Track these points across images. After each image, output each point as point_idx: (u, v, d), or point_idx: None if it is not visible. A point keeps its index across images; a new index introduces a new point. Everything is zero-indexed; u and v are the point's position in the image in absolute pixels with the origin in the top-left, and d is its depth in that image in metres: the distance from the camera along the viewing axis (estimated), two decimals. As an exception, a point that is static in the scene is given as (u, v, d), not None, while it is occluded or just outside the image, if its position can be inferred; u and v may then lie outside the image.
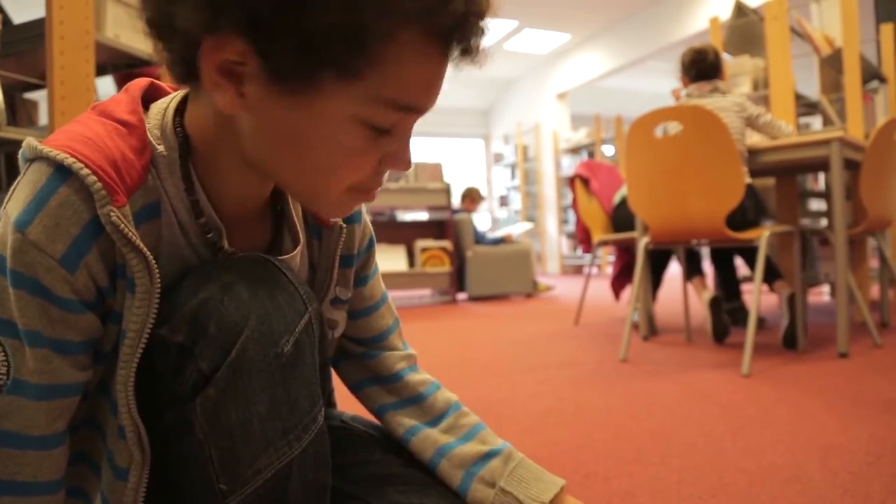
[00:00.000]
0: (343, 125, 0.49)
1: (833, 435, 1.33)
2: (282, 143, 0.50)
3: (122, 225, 0.49)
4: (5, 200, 0.51)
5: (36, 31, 1.46)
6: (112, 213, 0.48)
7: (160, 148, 0.54)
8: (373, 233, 0.74)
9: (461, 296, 5.45)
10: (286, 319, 0.54)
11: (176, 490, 0.56)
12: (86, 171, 0.48)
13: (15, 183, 0.51)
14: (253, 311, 0.52)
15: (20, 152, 0.52)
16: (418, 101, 0.51)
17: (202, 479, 0.53)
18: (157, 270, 0.51)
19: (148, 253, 0.51)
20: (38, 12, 1.52)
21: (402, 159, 0.55)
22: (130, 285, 0.51)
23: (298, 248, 0.64)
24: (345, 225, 0.68)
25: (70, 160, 0.48)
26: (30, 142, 0.50)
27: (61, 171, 0.49)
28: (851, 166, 2.48)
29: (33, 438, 0.50)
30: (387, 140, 0.53)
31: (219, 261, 0.57)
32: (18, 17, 1.66)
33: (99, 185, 0.48)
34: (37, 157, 0.50)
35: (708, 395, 1.71)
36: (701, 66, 2.59)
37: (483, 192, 6.19)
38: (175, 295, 0.54)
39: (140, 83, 0.59)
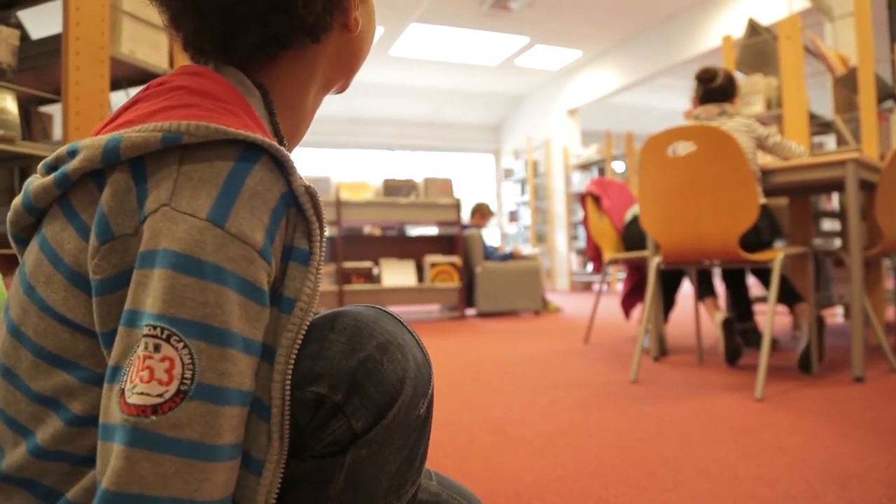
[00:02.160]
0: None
1: (850, 464, 1.30)
2: (366, 29, 0.66)
3: (316, 193, 0.51)
4: (164, 200, 0.45)
5: (53, 47, 1.47)
6: (308, 185, 0.50)
7: (262, 112, 0.57)
8: None
9: (470, 311, 5.44)
10: (423, 382, 0.57)
11: None
12: (277, 148, 0.48)
13: (166, 174, 0.46)
14: (407, 374, 0.55)
15: (162, 136, 0.46)
16: None
17: None
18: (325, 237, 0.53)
19: (324, 216, 0.52)
20: (55, 28, 1.54)
21: None
22: (303, 256, 0.51)
23: None
24: None
25: (266, 140, 0.47)
26: (202, 125, 0.46)
27: (249, 153, 0.47)
28: (866, 187, 2.45)
29: (216, 448, 0.45)
30: None
31: (356, 316, 0.57)
32: (36, 32, 1.68)
33: (292, 160, 0.49)
34: (215, 140, 0.46)
35: (720, 420, 1.69)
36: (708, 87, 2.58)
37: (493, 208, 6.19)
38: (322, 352, 0.53)
39: (199, 67, 0.57)
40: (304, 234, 0.51)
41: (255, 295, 0.47)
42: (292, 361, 0.51)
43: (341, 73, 0.68)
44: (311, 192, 0.50)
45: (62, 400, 0.50)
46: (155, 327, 0.44)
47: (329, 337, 0.54)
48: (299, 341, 0.51)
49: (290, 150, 0.66)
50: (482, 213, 5.91)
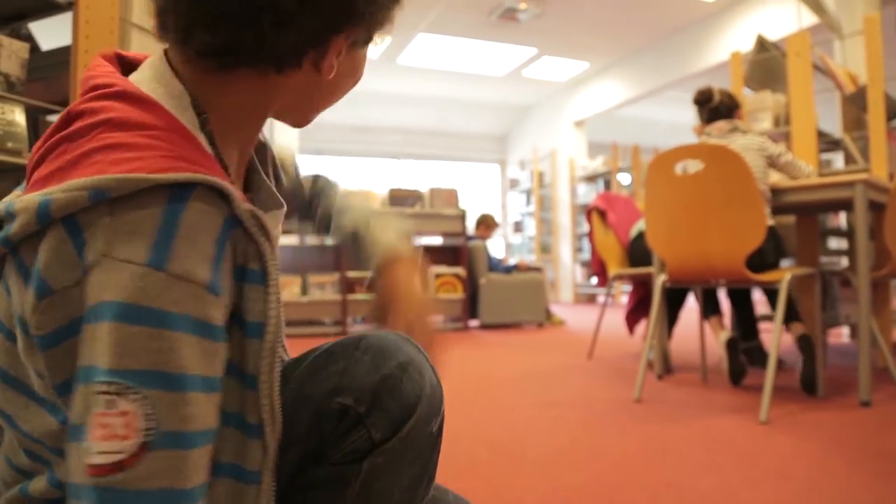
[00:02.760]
0: (363, 55, 0.65)
1: (857, 493, 1.28)
2: (342, 80, 0.64)
3: (261, 214, 0.50)
4: (102, 251, 0.44)
5: (62, 58, 1.48)
6: (252, 208, 0.49)
7: (201, 140, 0.54)
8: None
9: (473, 323, 5.42)
10: (437, 401, 0.61)
11: None
12: (211, 178, 0.47)
13: (99, 227, 0.45)
14: (423, 393, 0.59)
15: (90, 193, 0.45)
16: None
17: None
18: (277, 255, 0.53)
19: (272, 234, 0.52)
20: (65, 39, 1.54)
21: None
22: (258, 277, 0.51)
23: (283, 210, 0.68)
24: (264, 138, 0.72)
25: (196, 176, 0.46)
26: (121, 178, 0.44)
27: (180, 190, 0.46)
28: (875, 207, 2.44)
29: (187, 492, 0.46)
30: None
31: (382, 341, 0.61)
32: (47, 43, 1.68)
33: (229, 186, 0.48)
34: (140, 189, 0.45)
35: (725, 443, 1.67)
36: (708, 108, 2.61)
37: (498, 218, 6.18)
38: (349, 368, 0.58)
39: (114, 78, 0.54)
40: (256, 255, 0.51)
41: (208, 332, 0.47)
42: (277, 382, 0.53)
43: (301, 110, 0.65)
44: (255, 215, 0.50)
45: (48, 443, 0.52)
46: (107, 383, 0.43)
47: (355, 355, 0.59)
48: (278, 362, 0.52)
49: (233, 162, 0.61)
50: (487, 225, 5.90)
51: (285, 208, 0.69)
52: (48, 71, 1.56)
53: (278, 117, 0.65)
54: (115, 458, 0.43)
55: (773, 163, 2.45)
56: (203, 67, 0.55)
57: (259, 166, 0.68)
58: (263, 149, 0.71)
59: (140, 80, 0.55)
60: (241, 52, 0.54)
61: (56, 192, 0.45)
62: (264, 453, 0.53)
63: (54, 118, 1.86)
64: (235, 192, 0.49)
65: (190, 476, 0.46)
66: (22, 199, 0.46)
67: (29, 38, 1.62)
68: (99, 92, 0.52)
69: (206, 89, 0.56)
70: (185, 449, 0.45)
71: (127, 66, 0.60)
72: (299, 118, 0.66)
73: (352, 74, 0.65)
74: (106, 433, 0.43)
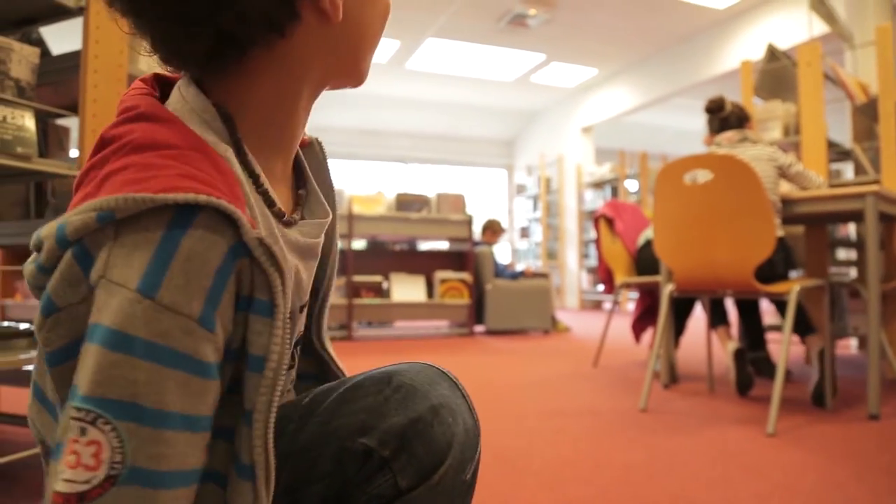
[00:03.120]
0: None
1: (865, 510, 1.27)
2: (364, 12, 0.57)
3: (273, 245, 0.47)
4: (101, 272, 0.44)
5: (72, 63, 1.48)
6: (261, 236, 0.46)
7: (226, 154, 0.51)
8: None
9: (479, 328, 5.41)
10: (472, 447, 0.58)
11: None
12: (219, 201, 0.44)
13: (104, 248, 0.44)
14: (456, 438, 0.56)
15: (96, 216, 0.44)
16: None
17: None
18: (290, 284, 0.50)
19: (286, 268, 0.48)
20: (75, 43, 1.55)
21: None
22: (265, 308, 0.48)
23: (329, 219, 0.64)
24: (318, 138, 0.69)
25: (200, 197, 0.43)
26: (128, 197, 0.43)
27: (182, 215, 0.44)
28: (885, 219, 2.42)
29: None
30: None
31: (414, 377, 0.58)
32: (57, 47, 1.69)
33: (239, 212, 0.45)
34: (143, 210, 0.43)
35: (731, 456, 1.65)
36: (720, 117, 2.61)
37: (504, 223, 6.18)
38: (376, 406, 0.55)
39: (139, 100, 0.53)
40: (264, 285, 0.48)
41: (196, 368, 0.44)
42: (272, 423, 0.49)
43: (338, 69, 0.59)
44: (265, 244, 0.47)
45: None
46: (80, 409, 0.42)
47: (385, 392, 0.56)
48: (276, 402, 0.49)
49: (280, 161, 0.59)
50: (493, 230, 5.90)
51: (331, 217, 0.64)
52: (58, 75, 1.57)
53: (331, 86, 0.60)
54: (80, 489, 0.41)
55: (783, 173, 2.43)
56: (215, 71, 0.53)
57: (307, 169, 0.64)
58: (313, 149, 0.67)
59: (169, 101, 0.54)
60: (235, 37, 0.50)
61: (71, 215, 0.45)
62: (255, 498, 0.49)
63: (63, 122, 1.87)
64: (244, 217, 0.46)
65: None
66: (48, 225, 0.47)
67: (39, 43, 1.63)
68: (124, 116, 0.52)
69: (229, 93, 0.53)
70: (154, 488, 0.43)
71: (168, 85, 0.58)
72: (348, 76, 0.60)
73: (365, 5, 0.57)
74: (74, 460, 0.42)
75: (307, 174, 0.64)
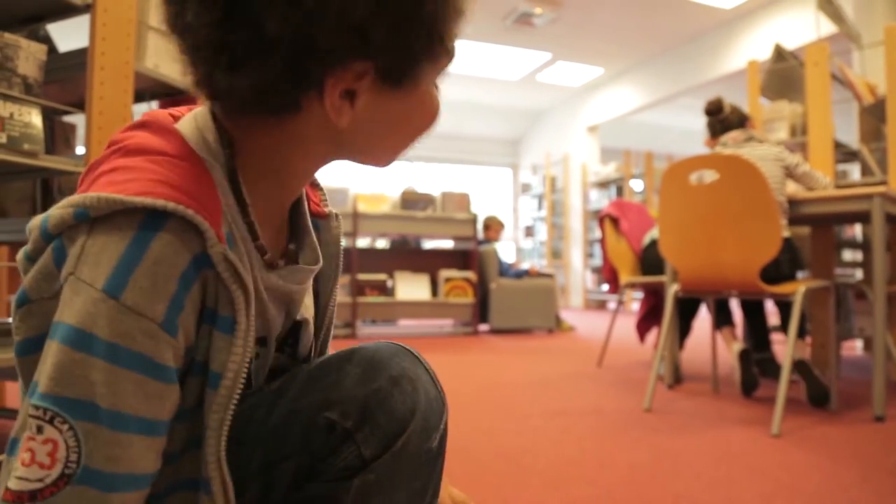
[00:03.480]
0: (430, 93, 0.57)
1: (870, 512, 1.26)
2: (383, 127, 0.55)
3: (237, 262, 0.47)
4: (70, 269, 0.45)
5: (78, 60, 1.48)
6: (226, 251, 0.46)
7: (213, 171, 0.51)
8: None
9: (483, 327, 5.41)
10: (436, 415, 0.58)
11: None
12: (189, 211, 0.44)
13: (77, 244, 0.45)
14: (418, 406, 0.56)
15: (74, 211, 0.45)
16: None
17: None
18: (254, 305, 0.50)
19: (251, 286, 0.49)
20: (82, 40, 1.55)
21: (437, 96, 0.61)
22: (227, 325, 0.49)
23: (319, 265, 0.64)
24: (336, 212, 0.68)
25: (169, 204, 0.44)
26: (102, 197, 0.44)
27: (152, 220, 0.44)
28: (891, 220, 2.41)
29: None
30: None
31: (375, 353, 0.59)
32: (64, 44, 1.70)
33: (206, 223, 0.45)
34: (117, 211, 0.44)
35: (736, 456, 1.65)
36: (720, 118, 2.61)
37: (509, 222, 6.17)
38: (338, 381, 0.56)
39: (157, 115, 0.55)
40: (227, 301, 0.48)
41: (155, 372, 0.45)
42: (224, 440, 0.49)
43: (346, 157, 0.58)
44: (229, 259, 0.47)
45: None
46: (38, 407, 0.42)
47: (346, 368, 0.57)
48: (227, 420, 0.49)
49: (275, 206, 0.58)
50: (494, 228, 5.89)
51: (320, 264, 0.64)
52: (64, 72, 1.57)
53: (326, 159, 0.59)
54: (32, 487, 0.42)
55: (790, 173, 2.42)
56: (227, 109, 0.54)
57: (308, 216, 0.64)
58: (329, 223, 0.68)
59: (182, 119, 0.55)
60: (241, 99, 0.51)
61: (54, 209, 0.46)
62: None
63: (70, 119, 1.87)
64: (211, 230, 0.46)
65: None
66: (37, 216, 0.48)
67: (46, 40, 1.64)
68: (132, 123, 0.54)
69: (237, 130, 0.54)
70: (106, 492, 0.43)
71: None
72: (370, 159, 0.59)
73: (378, 119, 0.54)
74: (29, 458, 0.42)
75: (304, 231, 0.64)
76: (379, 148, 0.58)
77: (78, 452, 0.42)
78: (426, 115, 0.58)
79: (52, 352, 0.43)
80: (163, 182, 0.46)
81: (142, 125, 0.53)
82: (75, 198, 0.46)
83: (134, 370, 0.43)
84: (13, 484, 0.42)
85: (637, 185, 8.40)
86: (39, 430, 0.42)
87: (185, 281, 0.46)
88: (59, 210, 0.46)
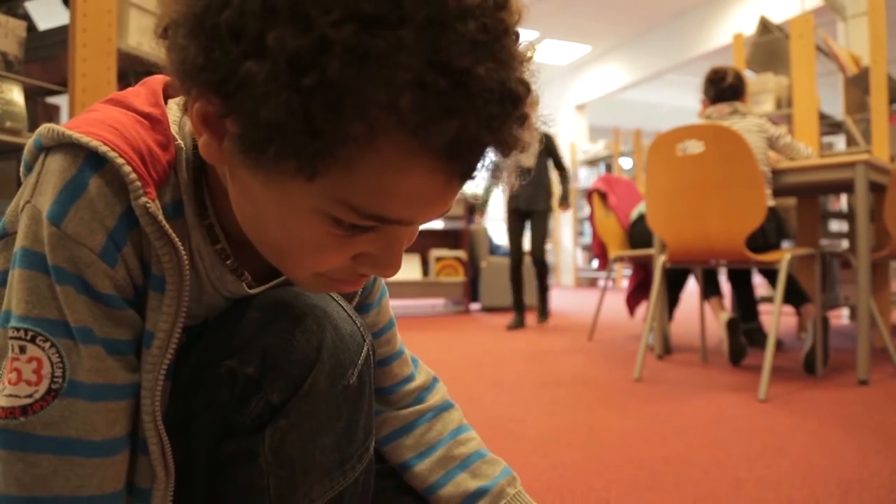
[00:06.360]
0: (305, 214, 0.43)
1: (853, 468, 1.29)
2: (251, 211, 0.46)
3: (160, 216, 0.46)
4: (24, 191, 0.47)
5: (60, 38, 1.47)
6: (149, 204, 0.46)
7: (182, 145, 0.50)
8: None
9: (474, 306, 5.43)
10: (350, 351, 0.55)
11: None
12: (121, 160, 0.45)
13: (34, 173, 0.47)
14: (324, 344, 0.53)
15: (34, 140, 0.47)
16: (399, 213, 0.42)
17: None
18: (188, 267, 0.49)
19: (181, 248, 0.48)
20: (62, 19, 1.54)
21: (380, 264, 0.47)
22: (159, 284, 0.49)
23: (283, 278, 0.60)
24: None
25: (104, 148, 0.44)
26: (52, 128, 0.46)
27: (94, 159, 0.45)
28: (876, 188, 2.43)
29: (95, 444, 0.46)
30: (364, 239, 0.45)
31: (279, 293, 0.56)
32: (43, 23, 1.68)
33: (134, 175, 0.45)
34: (65, 143, 0.45)
35: (723, 420, 1.68)
36: (719, 87, 2.59)
37: (499, 203, 6.16)
38: (239, 327, 0.54)
39: (159, 78, 0.54)
40: (156, 259, 0.48)
41: (99, 298, 0.46)
42: (158, 400, 0.50)
43: (246, 226, 0.49)
44: (152, 213, 0.46)
45: None
46: (18, 329, 0.44)
47: (247, 314, 0.54)
48: (161, 381, 0.49)
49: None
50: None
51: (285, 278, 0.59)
52: (46, 51, 1.55)
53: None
54: (23, 403, 0.44)
55: (772, 144, 2.44)
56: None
57: None
58: None
59: (172, 101, 0.55)
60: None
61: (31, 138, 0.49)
62: (153, 473, 0.50)
63: (53, 99, 1.86)
64: (138, 183, 0.45)
65: (98, 428, 0.46)
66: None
67: (25, 17, 1.62)
68: (142, 81, 0.54)
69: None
70: (93, 401, 0.46)
71: None
72: (262, 249, 0.50)
73: (255, 199, 0.45)
74: (16, 377, 0.44)
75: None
76: (259, 239, 0.49)
77: (63, 368, 0.45)
78: (295, 239, 0.45)
79: (17, 277, 0.45)
80: (114, 129, 0.47)
81: (142, 84, 0.54)
82: (38, 129, 0.48)
83: (81, 293, 0.45)
84: (4, 402, 0.44)
85: (626, 162, 8.42)
86: (22, 349, 0.44)
87: (123, 222, 0.46)
88: (29, 140, 0.48)
